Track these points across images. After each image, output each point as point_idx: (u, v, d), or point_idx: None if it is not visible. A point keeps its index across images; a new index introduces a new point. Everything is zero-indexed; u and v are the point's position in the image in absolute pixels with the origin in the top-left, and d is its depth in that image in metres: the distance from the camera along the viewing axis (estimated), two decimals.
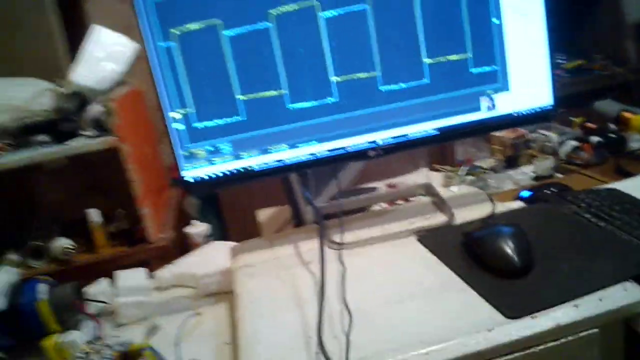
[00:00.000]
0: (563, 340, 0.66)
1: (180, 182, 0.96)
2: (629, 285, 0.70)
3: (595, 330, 0.67)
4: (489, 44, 0.95)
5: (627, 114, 1.69)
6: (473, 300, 0.72)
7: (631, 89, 2.83)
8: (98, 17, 2.42)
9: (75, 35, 2.36)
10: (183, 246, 1.36)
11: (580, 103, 2.00)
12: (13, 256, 1.40)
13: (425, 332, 0.67)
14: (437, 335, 0.66)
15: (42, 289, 0.97)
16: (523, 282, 0.74)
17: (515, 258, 0.76)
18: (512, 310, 0.68)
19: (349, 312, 0.72)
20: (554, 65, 0.99)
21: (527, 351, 0.65)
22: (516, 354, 0.65)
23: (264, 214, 1.53)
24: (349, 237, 0.95)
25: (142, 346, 0.83)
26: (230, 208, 2.48)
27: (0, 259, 1.39)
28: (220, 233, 2.48)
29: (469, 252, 0.82)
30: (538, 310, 0.67)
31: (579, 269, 0.75)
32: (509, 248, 0.77)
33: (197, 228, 1.40)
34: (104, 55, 1.40)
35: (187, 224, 1.44)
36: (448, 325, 0.67)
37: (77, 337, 0.93)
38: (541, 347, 0.65)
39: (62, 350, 0.91)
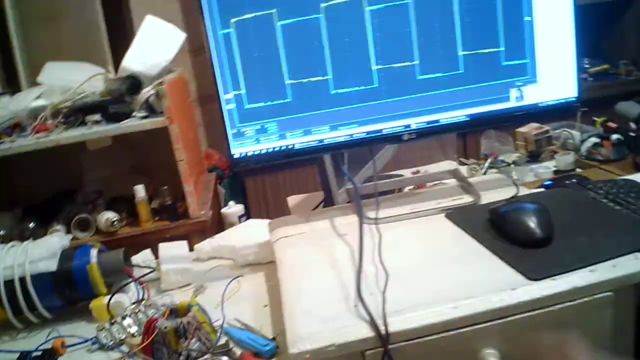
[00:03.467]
0: (579, 300, 0.73)
1: (229, 158, 1.05)
2: None
3: (609, 293, 0.74)
4: (520, 39, 1.02)
5: None
6: (498, 266, 0.80)
7: None
8: (140, 11, 2.53)
9: (116, 28, 2.48)
10: (219, 225, 1.45)
11: (604, 106, 2.06)
12: (59, 227, 1.49)
13: (455, 291, 0.74)
14: (465, 293, 0.73)
15: (93, 253, 1.06)
16: (544, 250, 0.81)
17: (537, 229, 0.83)
18: (534, 273, 0.75)
19: (385, 271, 0.80)
20: (580, 61, 1.05)
21: (546, 309, 0.72)
22: (537, 311, 0.72)
23: (294, 200, 1.61)
24: (382, 214, 1.03)
25: (190, 303, 0.91)
26: (255, 198, 2.58)
27: (47, 230, 1.48)
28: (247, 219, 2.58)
29: (494, 227, 0.90)
30: (557, 274, 0.74)
31: (596, 241, 0.82)
32: (531, 221, 0.84)
33: (233, 209, 1.48)
34: (155, 43, 1.50)
35: (222, 206, 1.53)
36: (475, 285, 0.75)
37: (125, 299, 1.02)
38: (559, 306, 0.72)
39: (110, 310, 1.00)
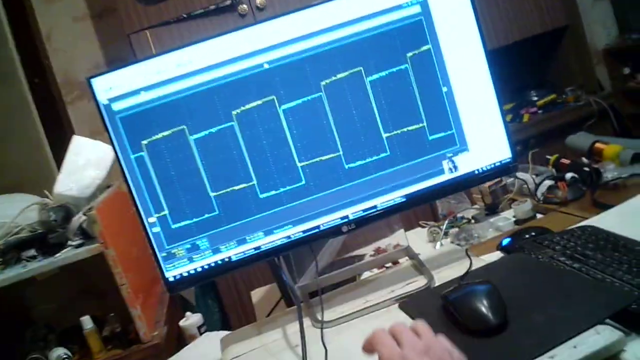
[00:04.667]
0: None
1: (164, 282, 0.99)
2: (602, 328, 0.72)
3: None
4: (441, 111, 0.99)
5: (599, 145, 1.73)
6: None
7: (607, 114, 2.90)
8: (80, 121, 2.51)
9: (59, 143, 2.44)
10: (178, 339, 1.37)
11: (557, 138, 2.05)
12: None
13: None
14: None
15: None
16: (500, 339, 0.75)
17: (490, 316, 0.78)
18: None
19: None
20: (506, 120, 1.03)
21: None
22: None
23: (257, 294, 1.55)
24: (332, 313, 0.97)
25: None
26: (227, 290, 2.49)
27: None
28: (220, 315, 2.48)
29: (447, 315, 0.84)
30: None
31: (553, 318, 0.76)
32: (483, 307, 0.78)
33: (191, 320, 1.41)
34: (85, 163, 1.46)
35: (181, 316, 1.46)
36: None
37: None
38: None
39: None
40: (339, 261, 1.26)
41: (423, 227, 1.62)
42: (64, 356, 1.39)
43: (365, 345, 0.68)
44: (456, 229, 1.56)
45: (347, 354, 0.85)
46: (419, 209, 1.64)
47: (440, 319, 0.84)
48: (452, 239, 1.50)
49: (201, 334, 1.34)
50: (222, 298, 2.42)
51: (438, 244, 1.45)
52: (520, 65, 2.91)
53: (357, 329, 0.92)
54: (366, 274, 1.26)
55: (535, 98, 3.02)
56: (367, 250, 1.46)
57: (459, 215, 1.63)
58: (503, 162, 1.03)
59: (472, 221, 1.59)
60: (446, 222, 1.55)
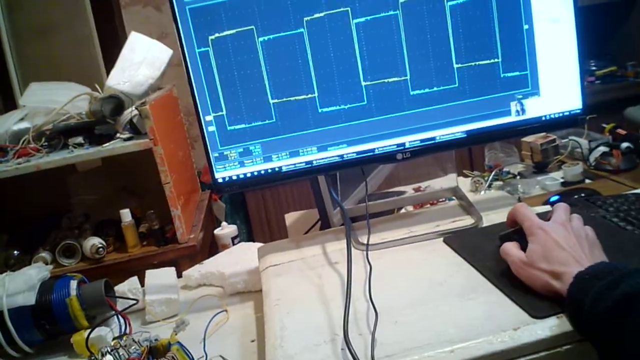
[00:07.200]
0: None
1: (212, 183, 0.99)
2: None
3: None
4: (519, 49, 0.95)
5: None
6: (499, 301, 0.72)
7: None
8: (134, 25, 2.49)
9: (110, 42, 2.44)
10: (212, 247, 1.39)
11: (612, 110, 1.99)
12: (45, 254, 1.44)
13: (451, 331, 0.68)
14: (463, 333, 0.67)
15: (73, 286, 1.00)
16: None
17: None
18: (538, 310, 0.68)
19: (375, 310, 0.73)
20: (584, 71, 0.98)
21: (552, 351, 0.65)
22: (541, 354, 0.65)
23: (291, 217, 1.55)
24: (375, 238, 0.96)
25: (170, 341, 0.85)
26: (257, 212, 2.52)
27: (32, 257, 1.43)
28: (247, 236, 2.51)
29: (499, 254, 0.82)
30: (564, 311, 0.67)
31: None
32: None
33: (226, 230, 1.42)
34: (140, 60, 1.45)
35: (216, 226, 1.47)
36: (474, 324, 0.68)
37: (106, 332, 0.96)
38: (566, 347, 0.65)
39: (90, 345, 0.94)
40: (378, 194, 1.25)
41: (466, 176, 1.60)
42: (99, 245, 1.41)
43: (509, 217, 0.80)
44: (500, 182, 1.53)
45: (390, 274, 0.85)
46: (461, 158, 1.62)
47: (486, 257, 0.83)
48: (495, 191, 1.48)
49: (234, 244, 1.35)
50: (251, 219, 2.45)
51: (483, 192, 1.43)
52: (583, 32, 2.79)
53: (399, 255, 0.92)
54: (407, 210, 1.25)
55: (594, 68, 2.91)
56: (407, 189, 1.45)
57: (505, 169, 1.60)
58: (572, 112, 0.99)
59: (518, 177, 1.56)
60: (492, 173, 1.53)
